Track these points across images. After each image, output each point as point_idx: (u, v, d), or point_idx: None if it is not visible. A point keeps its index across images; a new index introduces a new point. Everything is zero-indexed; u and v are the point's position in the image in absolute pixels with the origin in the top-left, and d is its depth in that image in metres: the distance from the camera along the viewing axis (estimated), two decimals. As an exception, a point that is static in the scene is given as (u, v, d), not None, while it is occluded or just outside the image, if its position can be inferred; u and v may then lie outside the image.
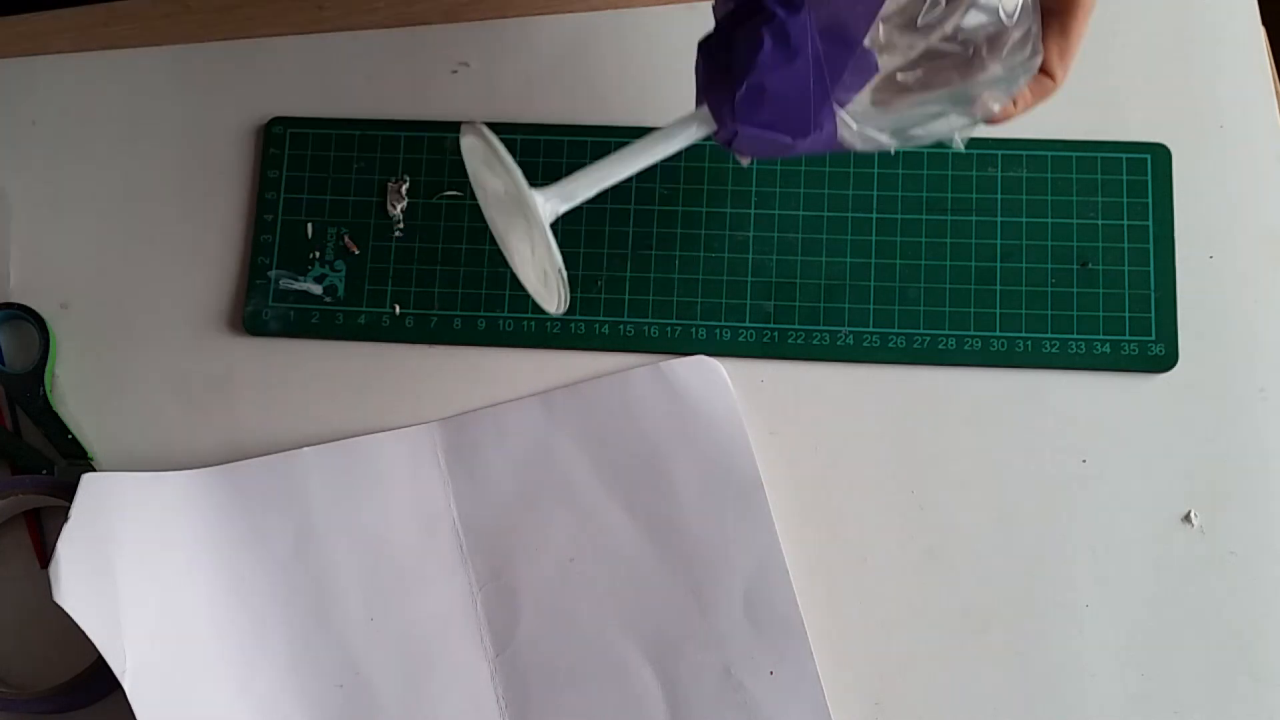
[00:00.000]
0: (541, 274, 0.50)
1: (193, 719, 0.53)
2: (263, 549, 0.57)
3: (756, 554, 0.57)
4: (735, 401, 0.58)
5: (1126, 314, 0.59)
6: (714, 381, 0.59)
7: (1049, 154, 0.61)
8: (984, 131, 0.61)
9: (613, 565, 0.57)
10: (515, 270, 0.53)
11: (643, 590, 0.57)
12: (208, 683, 0.55)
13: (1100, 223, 0.60)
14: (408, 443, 0.59)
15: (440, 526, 0.58)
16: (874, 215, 0.61)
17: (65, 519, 0.51)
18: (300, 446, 0.58)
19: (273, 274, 0.61)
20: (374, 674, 0.56)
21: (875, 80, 0.45)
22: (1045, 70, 0.48)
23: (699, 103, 0.48)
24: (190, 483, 0.57)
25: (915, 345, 0.59)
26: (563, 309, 0.49)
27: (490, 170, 0.49)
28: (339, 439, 0.59)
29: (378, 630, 0.57)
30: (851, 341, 0.59)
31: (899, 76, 0.46)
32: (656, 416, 0.58)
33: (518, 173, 0.46)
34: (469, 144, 0.50)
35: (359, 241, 0.62)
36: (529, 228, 0.48)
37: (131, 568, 0.53)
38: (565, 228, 0.61)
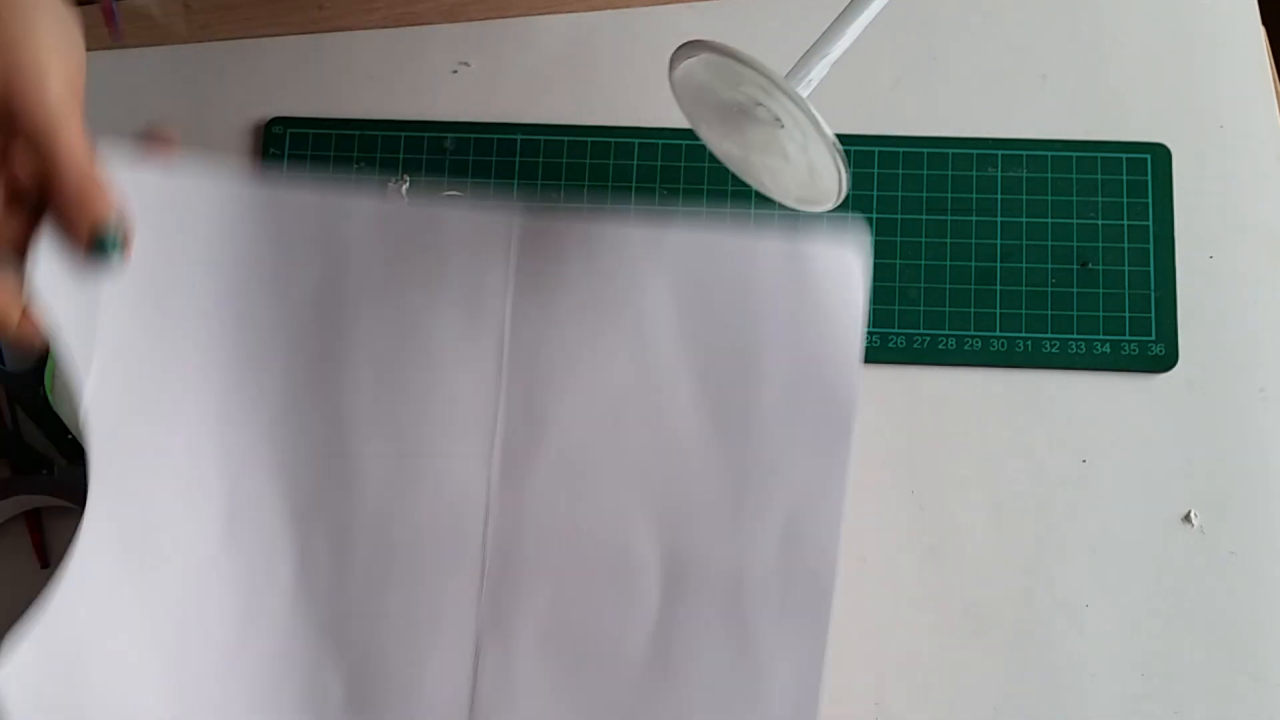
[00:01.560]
0: (805, 172, 0.47)
1: (160, 416, 0.48)
2: (283, 287, 0.50)
3: (817, 477, 0.49)
4: (861, 305, 0.49)
5: (1126, 314, 0.59)
6: (847, 277, 0.49)
7: (1049, 154, 0.61)
8: (984, 131, 0.61)
9: (658, 430, 0.50)
10: (772, 193, 0.50)
11: (681, 470, 0.50)
12: (191, 398, 0.49)
13: (1100, 223, 0.60)
14: (480, 222, 0.50)
15: (485, 323, 0.50)
16: (874, 215, 0.61)
17: None
18: None
19: (272, 274, 0.61)
20: (364, 444, 0.50)
21: None
22: None
23: None
24: (225, 190, 0.48)
25: (915, 345, 0.59)
26: (845, 191, 0.46)
27: (713, 90, 0.46)
28: None
29: (380, 400, 0.50)
30: (851, 341, 0.59)
31: None
32: (772, 293, 0.50)
33: (761, 63, 0.43)
34: (684, 70, 0.46)
35: (359, 241, 0.61)
36: (776, 129, 0.45)
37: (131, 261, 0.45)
38: (565, 228, 0.61)
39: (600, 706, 0.50)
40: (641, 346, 0.50)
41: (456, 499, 0.50)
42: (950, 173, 0.61)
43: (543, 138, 0.62)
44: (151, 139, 0.46)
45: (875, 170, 0.61)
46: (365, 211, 0.50)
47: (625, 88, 0.62)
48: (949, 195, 0.61)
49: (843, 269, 0.49)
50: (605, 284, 0.50)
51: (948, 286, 0.60)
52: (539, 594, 0.50)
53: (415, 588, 0.50)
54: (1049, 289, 0.59)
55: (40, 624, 0.44)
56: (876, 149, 0.61)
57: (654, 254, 0.50)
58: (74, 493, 0.56)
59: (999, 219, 0.60)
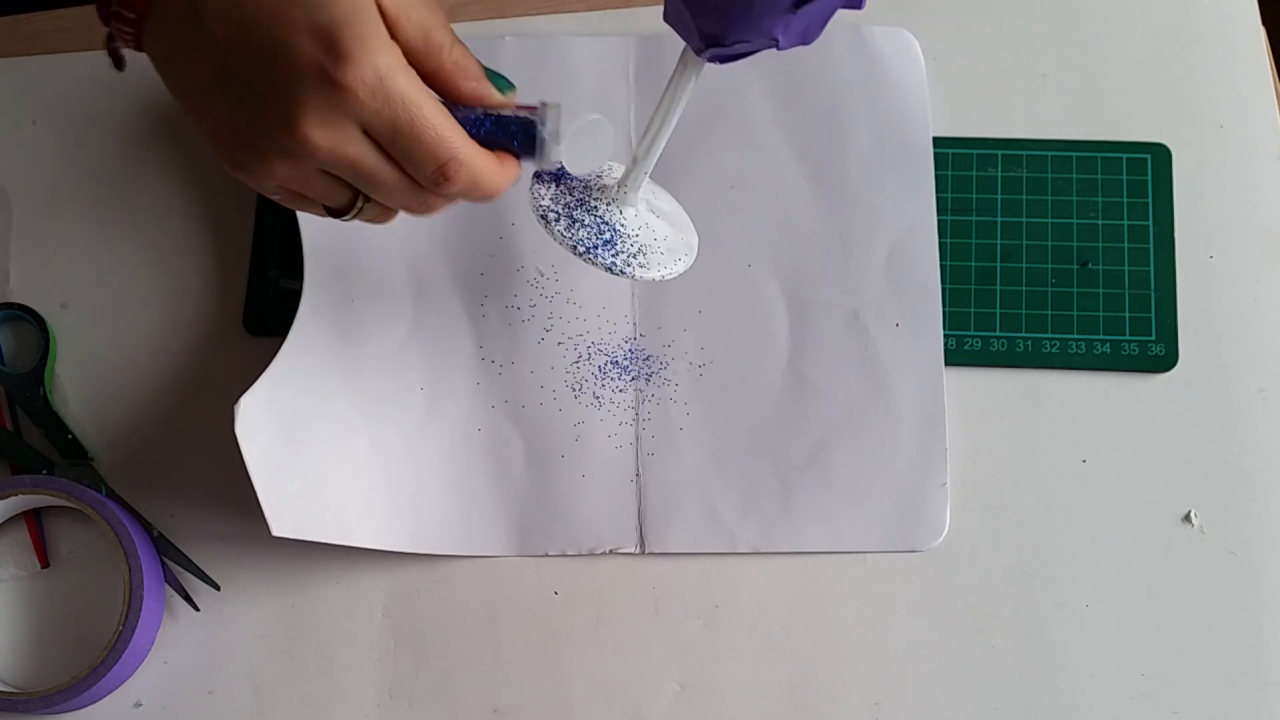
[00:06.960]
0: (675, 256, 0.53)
1: (353, 230, 0.55)
2: None
3: (910, 216, 0.60)
4: (924, 74, 0.61)
5: (1126, 314, 0.59)
6: (907, 53, 0.62)
7: (1049, 154, 0.61)
8: (984, 131, 0.62)
9: (770, 199, 0.60)
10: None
11: (793, 227, 0.60)
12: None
13: (1100, 223, 0.60)
14: (602, 50, 0.62)
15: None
16: (874, 215, 0.61)
17: None
18: None
19: (273, 274, 0.61)
20: (523, 244, 0.60)
21: None
22: None
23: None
24: None
25: (915, 345, 0.59)
26: (630, 274, 0.51)
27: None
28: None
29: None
30: (851, 341, 0.60)
31: None
32: (847, 75, 0.61)
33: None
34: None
35: (359, 241, 0.62)
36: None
37: None
38: (565, 228, 0.61)
39: (750, 431, 0.58)
40: (746, 135, 0.61)
41: (606, 276, 0.57)
42: (950, 173, 0.61)
43: (543, 138, 0.62)
44: None
45: (875, 170, 0.61)
46: (509, 45, 0.62)
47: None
48: (949, 195, 0.61)
49: (902, 44, 0.62)
50: (710, 90, 0.60)
51: (948, 286, 0.60)
52: (686, 338, 0.59)
53: (578, 355, 0.59)
54: (1049, 289, 0.59)
55: (268, 374, 0.55)
56: (876, 149, 0.62)
57: (745, 60, 0.56)
58: (74, 493, 0.56)
59: (999, 219, 0.60)
